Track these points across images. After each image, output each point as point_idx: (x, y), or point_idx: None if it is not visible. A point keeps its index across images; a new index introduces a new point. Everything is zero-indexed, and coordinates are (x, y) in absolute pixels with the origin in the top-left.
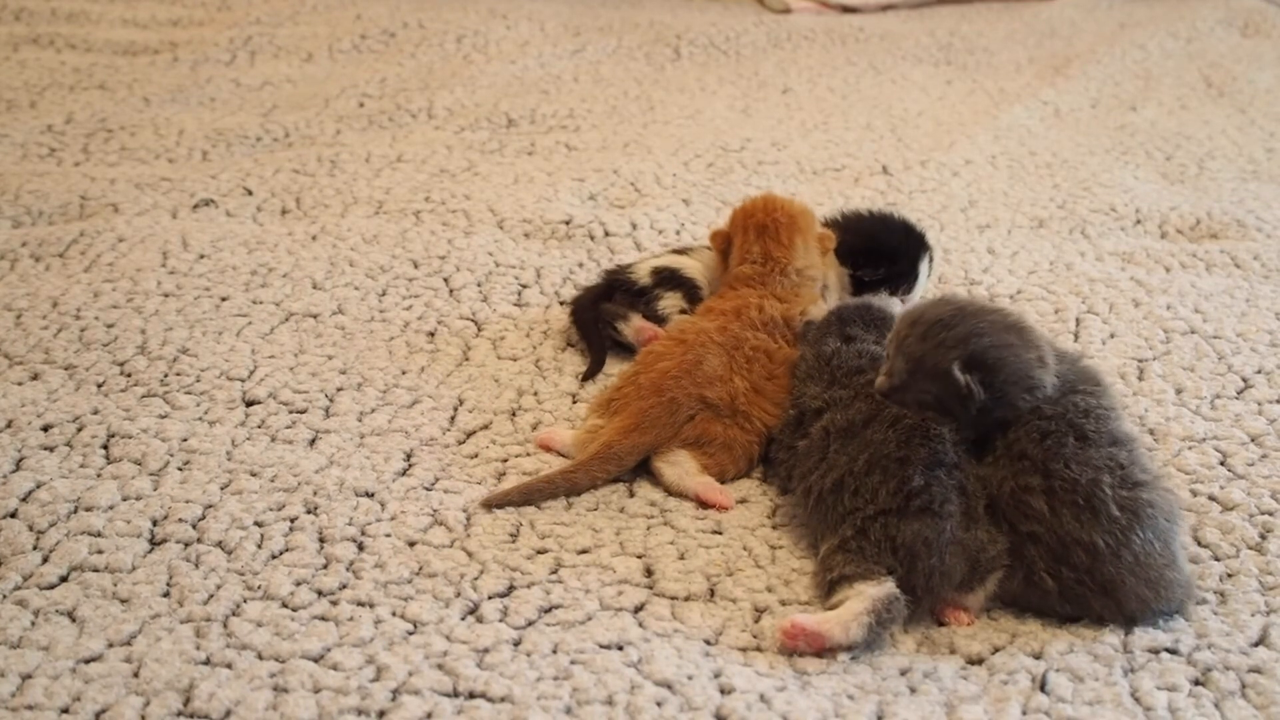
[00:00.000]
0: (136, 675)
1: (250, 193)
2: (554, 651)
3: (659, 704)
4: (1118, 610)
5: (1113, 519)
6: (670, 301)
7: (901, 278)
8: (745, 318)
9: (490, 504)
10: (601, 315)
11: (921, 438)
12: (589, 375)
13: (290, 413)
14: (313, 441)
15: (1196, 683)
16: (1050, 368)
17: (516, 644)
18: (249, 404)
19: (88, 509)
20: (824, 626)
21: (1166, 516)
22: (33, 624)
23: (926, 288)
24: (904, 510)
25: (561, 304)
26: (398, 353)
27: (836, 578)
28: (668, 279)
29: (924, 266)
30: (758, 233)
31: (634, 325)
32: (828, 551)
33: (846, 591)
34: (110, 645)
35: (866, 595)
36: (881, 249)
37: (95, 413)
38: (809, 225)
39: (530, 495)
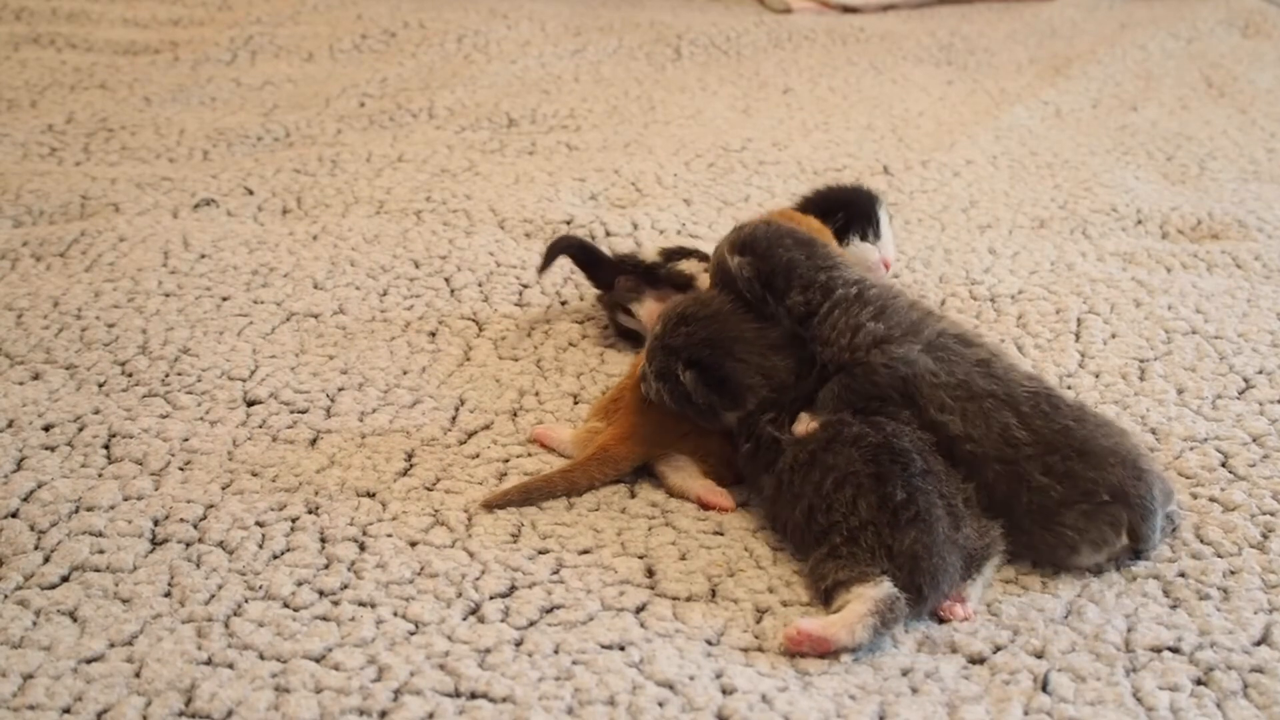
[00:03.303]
0: (138, 675)
1: (251, 192)
2: (556, 652)
3: (661, 704)
4: (1102, 483)
5: (1069, 404)
6: (688, 265)
7: (865, 220)
8: None
9: (490, 505)
10: (612, 299)
11: (888, 454)
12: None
13: (291, 413)
14: (314, 441)
15: (1199, 682)
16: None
17: (518, 644)
18: (250, 404)
19: (89, 509)
20: (829, 631)
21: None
22: (34, 624)
23: (893, 242)
24: (895, 523)
25: (563, 304)
26: (399, 353)
27: (831, 584)
28: (677, 253)
29: (882, 212)
30: None
31: (647, 307)
32: (816, 561)
33: (845, 596)
34: (112, 645)
35: (867, 597)
36: (835, 201)
37: (96, 412)
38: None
39: (530, 495)
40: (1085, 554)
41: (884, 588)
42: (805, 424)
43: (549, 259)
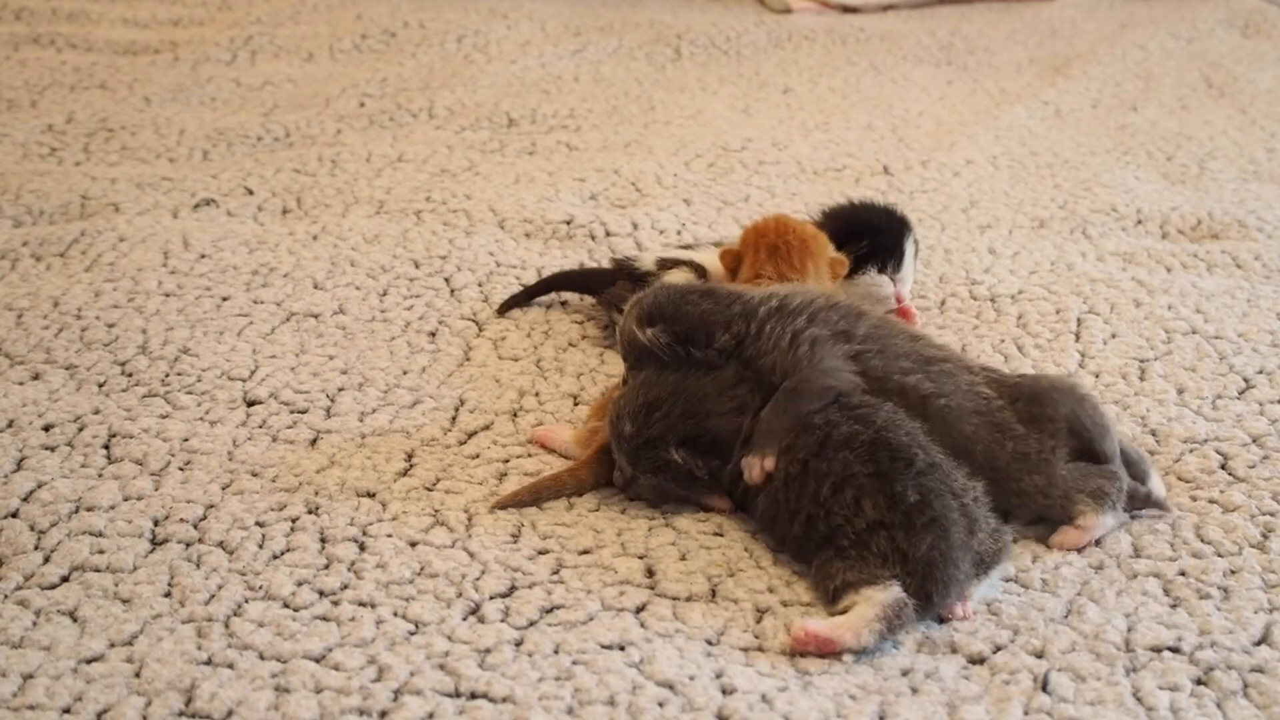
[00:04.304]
0: (138, 675)
1: (251, 192)
2: (556, 652)
3: (661, 704)
4: (1057, 417)
5: (1020, 377)
6: (677, 276)
7: (887, 253)
8: None
9: (501, 506)
10: (606, 298)
11: (886, 450)
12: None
13: (291, 413)
14: (314, 441)
15: (1199, 682)
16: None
17: (518, 644)
18: (250, 404)
19: (89, 509)
20: (836, 633)
21: None
22: (34, 624)
23: (915, 273)
24: (909, 526)
25: (563, 304)
26: (399, 353)
27: (840, 584)
28: (670, 264)
29: (908, 245)
30: (769, 253)
31: None
32: (824, 560)
33: (853, 597)
34: (112, 645)
35: (876, 601)
36: (862, 225)
37: (96, 412)
38: (821, 250)
39: (540, 494)
40: (1091, 511)
41: (893, 592)
42: (758, 467)
43: (520, 301)
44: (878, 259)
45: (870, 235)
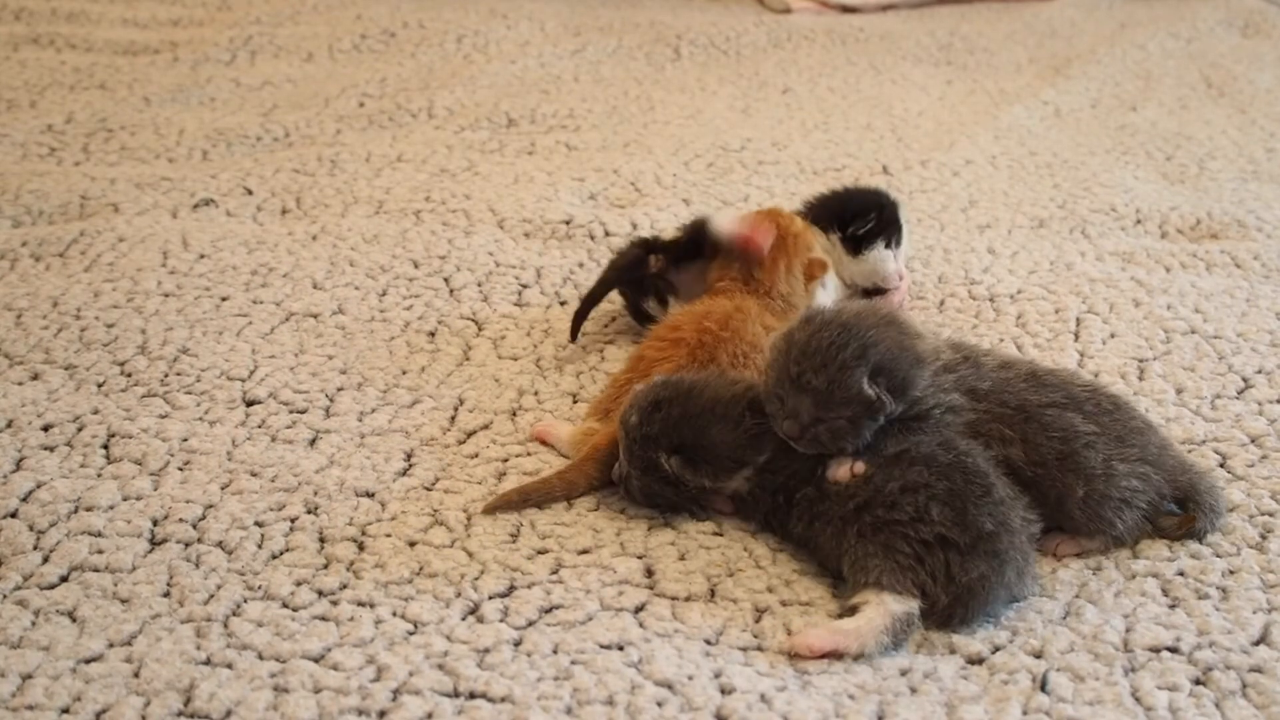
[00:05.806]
0: (137, 675)
1: (250, 192)
2: (554, 652)
3: (659, 704)
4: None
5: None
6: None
7: (894, 226)
8: (745, 322)
9: (490, 509)
10: (651, 279)
11: (962, 472)
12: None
13: (290, 413)
14: (313, 441)
15: (1197, 682)
16: (926, 363)
17: (517, 644)
18: (249, 404)
19: (88, 509)
20: (840, 643)
21: None
22: (33, 624)
23: (909, 252)
24: (972, 550)
25: (562, 304)
26: (398, 352)
27: (871, 581)
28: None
29: (903, 220)
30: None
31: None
32: (865, 554)
33: (869, 594)
34: (111, 645)
35: (889, 611)
36: (867, 201)
37: (95, 412)
38: (798, 249)
39: (528, 498)
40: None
41: (909, 606)
42: (846, 468)
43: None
44: (884, 234)
45: (877, 210)
